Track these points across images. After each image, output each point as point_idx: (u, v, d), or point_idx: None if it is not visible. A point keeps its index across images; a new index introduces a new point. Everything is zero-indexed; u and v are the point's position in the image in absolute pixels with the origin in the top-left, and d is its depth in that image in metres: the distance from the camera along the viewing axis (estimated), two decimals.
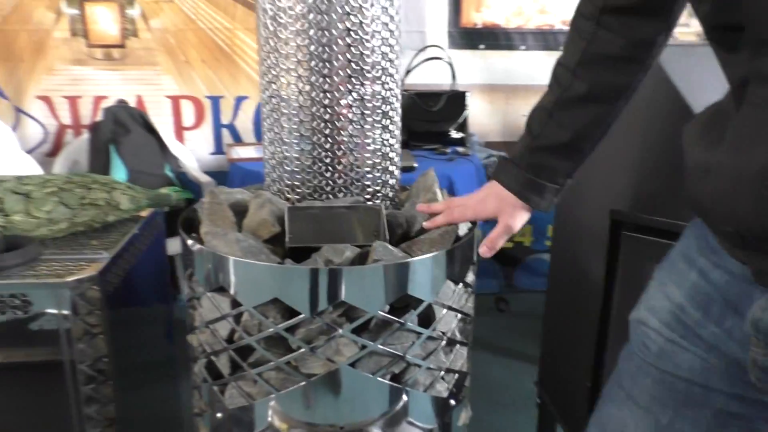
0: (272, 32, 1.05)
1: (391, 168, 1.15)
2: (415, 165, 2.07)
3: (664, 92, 1.09)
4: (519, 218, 0.94)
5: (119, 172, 2.31)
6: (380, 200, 1.14)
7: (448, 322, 1.01)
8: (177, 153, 2.63)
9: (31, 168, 2.44)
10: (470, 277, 1.08)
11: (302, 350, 0.91)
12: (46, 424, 1.23)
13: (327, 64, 1.03)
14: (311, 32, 1.02)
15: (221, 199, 1.03)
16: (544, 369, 1.58)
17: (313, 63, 1.03)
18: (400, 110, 1.18)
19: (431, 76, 2.72)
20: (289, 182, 1.10)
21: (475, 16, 2.90)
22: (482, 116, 2.94)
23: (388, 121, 1.13)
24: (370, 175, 1.12)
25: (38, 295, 1.06)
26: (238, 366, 0.96)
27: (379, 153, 1.12)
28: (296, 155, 1.09)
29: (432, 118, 2.57)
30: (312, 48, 1.03)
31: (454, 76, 2.60)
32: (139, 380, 1.70)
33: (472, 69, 2.90)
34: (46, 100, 2.70)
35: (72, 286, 1.06)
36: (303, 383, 0.93)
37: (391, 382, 0.96)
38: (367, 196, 1.12)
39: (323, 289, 0.90)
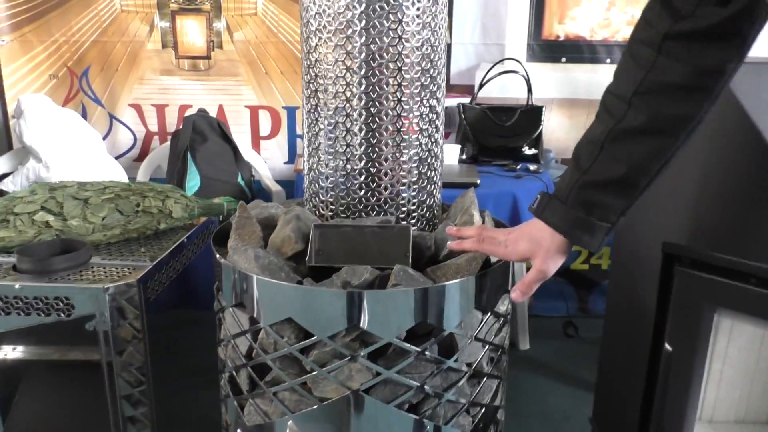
0: (313, 47, 1.05)
1: (429, 187, 1.12)
2: (478, 182, 2.01)
3: (729, 113, 0.99)
4: (553, 263, 0.87)
5: (193, 178, 2.40)
6: (416, 220, 1.10)
7: (473, 353, 0.96)
8: (251, 162, 2.70)
9: (116, 172, 2.59)
10: (503, 307, 1.02)
11: (314, 373, 0.89)
12: (90, 419, 1.28)
13: (363, 80, 1.01)
14: (348, 47, 1.01)
15: (250, 214, 1.04)
16: (598, 404, 1.48)
17: (349, 78, 1.02)
18: (441, 128, 1.14)
19: (508, 90, 2.65)
20: (323, 198, 1.09)
21: (558, 28, 2.79)
22: (561, 132, 2.82)
23: (427, 140, 1.09)
24: (405, 194, 1.08)
25: (80, 298, 1.11)
26: (257, 383, 0.96)
27: (416, 172, 1.08)
28: (331, 171, 1.07)
29: (504, 133, 2.49)
30: (348, 63, 1.01)
31: (530, 90, 2.52)
32: (190, 383, 1.74)
33: (553, 83, 2.79)
34: (136, 108, 2.85)
35: (110, 292, 1.10)
36: (315, 407, 0.91)
37: (407, 413, 0.92)
38: (402, 216, 1.08)
39: (337, 311, 0.87)
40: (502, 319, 1.01)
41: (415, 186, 1.09)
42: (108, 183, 1.39)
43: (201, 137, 2.48)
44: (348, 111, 1.03)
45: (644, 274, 1.13)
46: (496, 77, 2.51)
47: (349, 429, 0.92)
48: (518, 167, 2.33)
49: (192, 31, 2.78)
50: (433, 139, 1.10)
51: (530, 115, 2.48)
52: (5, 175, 2.50)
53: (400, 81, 1.02)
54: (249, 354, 0.97)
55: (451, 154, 2.33)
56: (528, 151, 2.47)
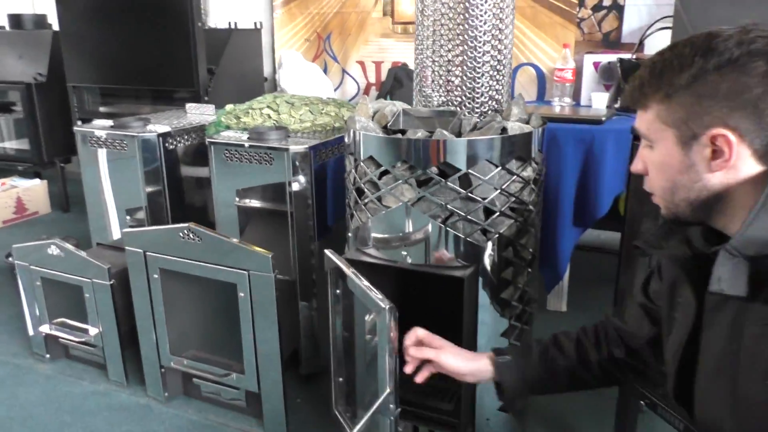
0: (420, 21, 1.61)
1: (492, 93, 1.60)
2: (603, 119, 2.33)
3: None
4: (455, 364, 1.20)
5: None
6: (483, 110, 1.61)
7: (486, 192, 1.46)
8: None
9: None
10: (521, 172, 1.49)
11: (382, 191, 1.50)
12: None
13: (445, 43, 1.54)
14: (437, 25, 1.53)
15: (367, 101, 1.66)
16: None
17: (436, 39, 1.55)
18: (508, 58, 1.61)
19: None
20: (424, 95, 1.66)
21: None
22: None
23: (497, 73, 1.58)
24: (479, 95, 1.59)
25: (274, 154, 1.86)
26: (357, 200, 1.59)
27: (487, 94, 1.58)
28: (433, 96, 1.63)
29: None
30: (434, 29, 1.55)
31: None
32: None
33: None
34: (361, 64, 3.65)
35: (290, 152, 1.83)
36: (383, 212, 1.51)
37: (435, 221, 1.47)
38: (477, 105, 1.58)
39: (396, 151, 1.46)
40: (516, 177, 1.49)
41: (485, 92, 1.59)
42: (312, 98, 2.14)
43: (399, 84, 3.17)
44: (439, 62, 1.58)
45: None
46: (659, 34, 2.75)
47: (402, 229, 1.51)
48: None
49: (405, 1, 3.47)
50: (501, 74, 1.59)
51: None
52: None
53: (474, 43, 1.53)
54: (355, 182, 1.61)
55: (600, 101, 2.67)
56: None
